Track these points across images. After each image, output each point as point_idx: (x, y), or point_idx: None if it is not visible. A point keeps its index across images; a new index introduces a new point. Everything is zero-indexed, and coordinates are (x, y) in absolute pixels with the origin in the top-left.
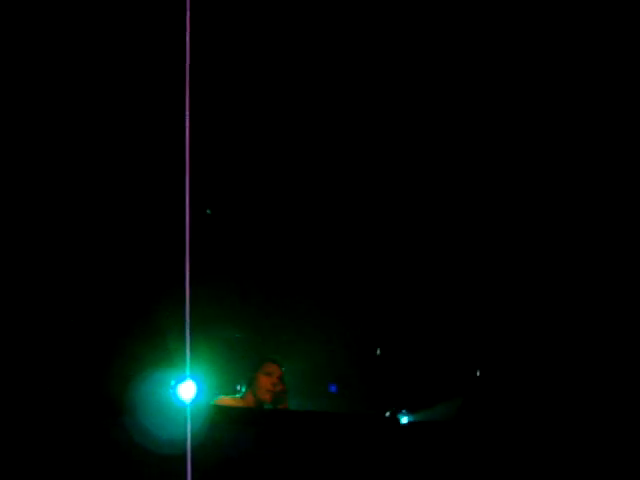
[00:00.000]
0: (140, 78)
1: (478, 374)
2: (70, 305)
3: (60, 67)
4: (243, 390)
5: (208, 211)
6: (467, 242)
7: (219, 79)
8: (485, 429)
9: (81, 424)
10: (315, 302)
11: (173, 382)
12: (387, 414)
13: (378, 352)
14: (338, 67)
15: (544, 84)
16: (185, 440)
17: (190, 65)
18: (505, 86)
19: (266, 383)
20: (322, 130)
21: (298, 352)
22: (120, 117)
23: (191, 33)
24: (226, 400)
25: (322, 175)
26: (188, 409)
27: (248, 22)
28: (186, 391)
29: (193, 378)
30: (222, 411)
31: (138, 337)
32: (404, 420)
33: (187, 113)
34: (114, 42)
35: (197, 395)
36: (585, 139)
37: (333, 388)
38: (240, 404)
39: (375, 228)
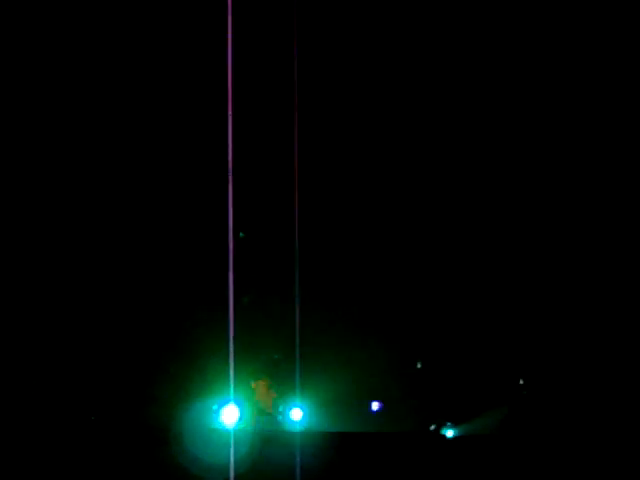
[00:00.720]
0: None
1: (521, 382)
2: (114, 331)
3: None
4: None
5: (241, 234)
6: (508, 255)
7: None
8: (531, 440)
9: (128, 451)
10: (354, 320)
11: (215, 407)
12: (431, 428)
13: (419, 365)
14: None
15: (544, 84)
16: (228, 464)
17: (232, 79)
18: (505, 86)
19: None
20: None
21: (339, 370)
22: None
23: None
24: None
25: (364, 196)
26: (231, 434)
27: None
28: (229, 415)
29: (235, 402)
30: (263, 435)
31: (181, 362)
32: (449, 434)
33: (230, 133)
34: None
35: (240, 419)
36: (585, 139)
37: (375, 407)
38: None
39: (413, 243)
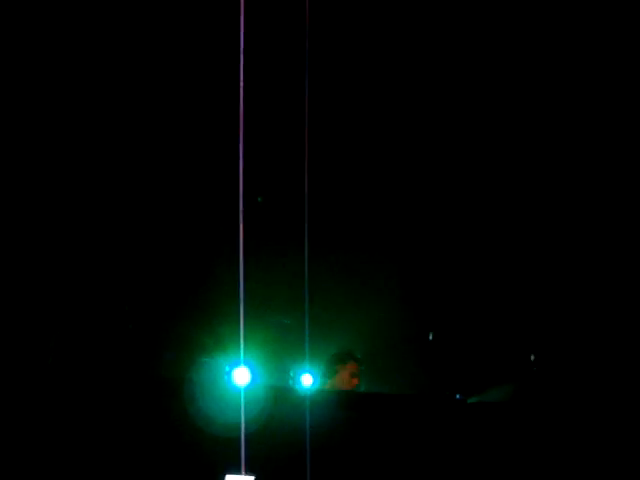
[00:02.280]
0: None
1: (532, 358)
2: (125, 291)
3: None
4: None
5: (259, 199)
6: (520, 225)
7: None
8: (539, 413)
9: (140, 404)
10: (367, 288)
11: (227, 368)
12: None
13: (431, 337)
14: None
15: (544, 84)
16: (239, 423)
17: (245, 49)
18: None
19: (348, 380)
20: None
21: (350, 339)
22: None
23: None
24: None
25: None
26: (242, 394)
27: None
28: (240, 377)
29: (247, 364)
30: (274, 394)
31: (192, 323)
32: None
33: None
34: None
35: (252, 381)
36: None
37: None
38: None
39: (429, 211)
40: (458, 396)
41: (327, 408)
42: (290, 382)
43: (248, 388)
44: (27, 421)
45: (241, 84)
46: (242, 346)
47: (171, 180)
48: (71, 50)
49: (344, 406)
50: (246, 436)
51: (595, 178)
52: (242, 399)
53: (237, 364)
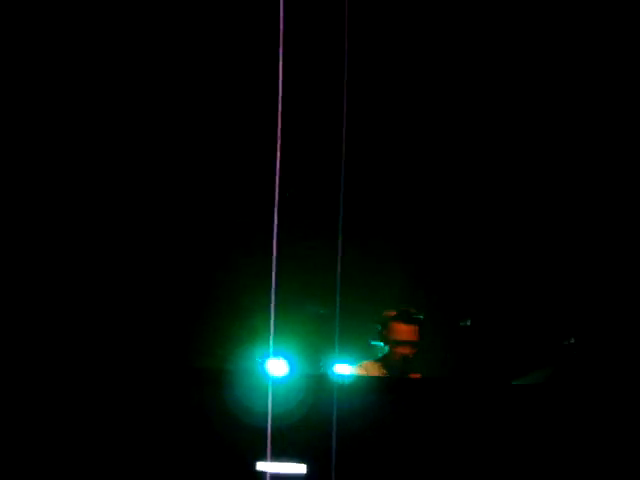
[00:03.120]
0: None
1: (572, 341)
2: (157, 281)
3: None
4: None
5: (287, 194)
6: (559, 210)
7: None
8: (579, 395)
9: (171, 392)
10: (401, 276)
11: (259, 358)
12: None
13: (469, 323)
14: None
15: (544, 84)
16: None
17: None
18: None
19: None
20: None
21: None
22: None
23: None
24: (368, 366)
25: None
26: (270, 383)
27: None
28: (276, 368)
29: (284, 355)
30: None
31: (225, 313)
32: None
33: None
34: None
35: (289, 372)
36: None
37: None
38: (378, 368)
39: (462, 196)
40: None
41: (358, 395)
42: (322, 371)
43: (285, 379)
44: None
45: (280, 77)
46: (273, 337)
47: (203, 171)
48: (77, 50)
49: (376, 392)
50: (277, 426)
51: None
52: (270, 389)
53: (273, 355)
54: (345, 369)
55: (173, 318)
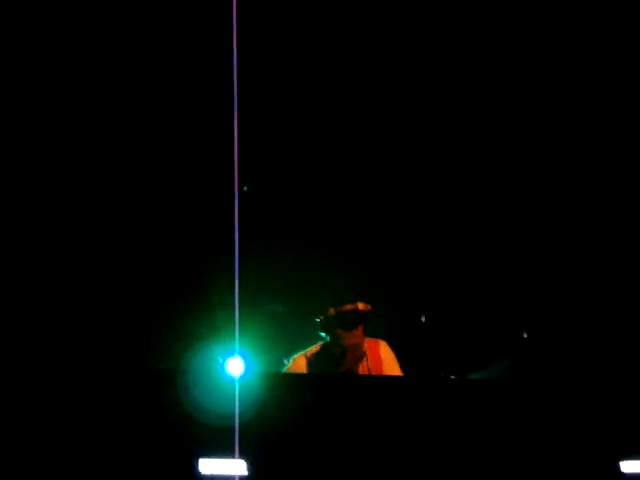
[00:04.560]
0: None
1: (525, 336)
2: (119, 280)
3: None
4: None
5: (245, 188)
6: (508, 204)
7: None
8: (532, 389)
9: (132, 394)
10: (358, 274)
11: (220, 359)
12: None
13: (423, 319)
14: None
15: (544, 84)
16: (234, 413)
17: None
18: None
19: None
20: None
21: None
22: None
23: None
24: (299, 362)
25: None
26: (237, 384)
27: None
28: (234, 367)
29: (241, 354)
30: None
31: (187, 313)
32: None
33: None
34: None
35: (246, 371)
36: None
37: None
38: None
39: (417, 195)
40: (453, 377)
41: (315, 392)
42: (283, 369)
43: (242, 378)
44: (22, 415)
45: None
46: (237, 336)
47: (163, 171)
48: (69, 49)
49: (337, 388)
50: (240, 424)
51: (575, 157)
52: (236, 389)
53: (231, 354)
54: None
55: (132, 318)
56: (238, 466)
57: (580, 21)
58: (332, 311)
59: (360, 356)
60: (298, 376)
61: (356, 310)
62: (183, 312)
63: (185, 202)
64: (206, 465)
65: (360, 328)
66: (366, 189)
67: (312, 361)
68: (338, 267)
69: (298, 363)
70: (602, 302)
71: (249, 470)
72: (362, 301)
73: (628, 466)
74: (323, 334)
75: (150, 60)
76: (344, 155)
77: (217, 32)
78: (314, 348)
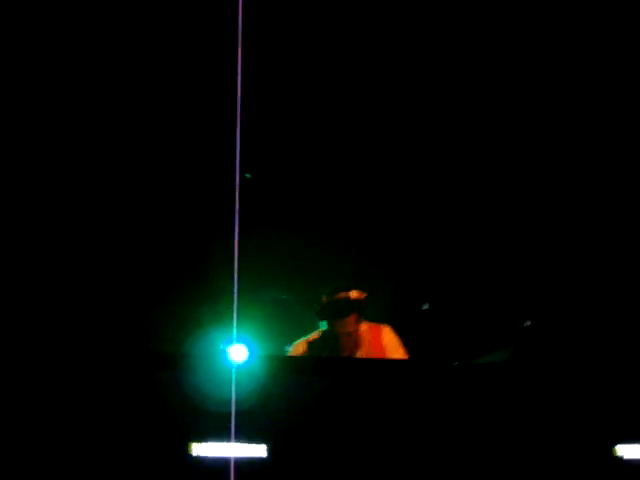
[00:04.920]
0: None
1: (528, 323)
2: (121, 266)
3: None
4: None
5: (247, 175)
6: (512, 192)
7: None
8: (533, 375)
9: (133, 376)
10: (361, 261)
11: (222, 345)
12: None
13: (426, 306)
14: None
15: (544, 84)
16: (231, 399)
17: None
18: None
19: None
20: None
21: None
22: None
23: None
24: (299, 347)
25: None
26: (233, 370)
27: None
28: (237, 353)
29: (244, 341)
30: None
31: (189, 299)
32: None
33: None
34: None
35: (249, 357)
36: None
37: None
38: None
39: (424, 182)
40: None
41: (319, 376)
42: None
43: (244, 364)
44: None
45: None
46: (236, 323)
47: (164, 158)
48: (68, 49)
49: (341, 373)
50: (241, 408)
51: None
52: (233, 375)
53: (233, 341)
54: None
55: (136, 304)
56: (234, 449)
57: (580, 21)
58: (324, 299)
59: (356, 343)
60: (299, 359)
61: (347, 299)
62: (185, 298)
63: (187, 188)
64: (202, 448)
65: (353, 316)
66: (370, 175)
67: (312, 347)
68: (341, 254)
69: (298, 349)
70: (603, 290)
71: (268, 452)
72: (356, 289)
73: (624, 450)
74: (320, 322)
75: (152, 51)
76: (347, 141)
77: (218, 26)
78: (314, 335)
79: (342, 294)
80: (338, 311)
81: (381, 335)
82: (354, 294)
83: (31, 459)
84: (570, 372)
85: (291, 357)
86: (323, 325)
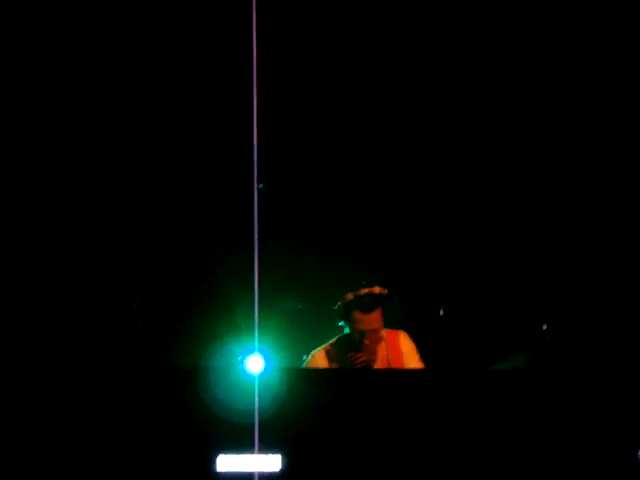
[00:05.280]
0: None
1: (545, 327)
2: (137, 280)
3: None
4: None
5: (260, 186)
6: (528, 193)
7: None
8: (553, 381)
9: (151, 392)
10: (376, 269)
11: (240, 357)
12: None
13: (441, 312)
14: None
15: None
16: (253, 410)
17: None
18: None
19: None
20: None
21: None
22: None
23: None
24: (318, 357)
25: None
26: (256, 381)
27: None
28: (254, 365)
29: (261, 351)
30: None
31: (207, 311)
32: None
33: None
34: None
35: (266, 369)
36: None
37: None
38: (330, 355)
39: (436, 188)
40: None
41: (339, 386)
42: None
43: (262, 375)
44: (33, 418)
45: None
46: (256, 333)
47: (179, 168)
48: (70, 49)
49: (356, 384)
50: (260, 420)
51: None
52: (256, 386)
53: (251, 351)
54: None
55: (152, 317)
56: (257, 462)
57: (579, 21)
58: (350, 296)
59: (378, 341)
60: (317, 371)
61: (372, 293)
62: (202, 311)
63: (203, 200)
64: (225, 462)
65: (378, 311)
66: (381, 183)
67: (331, 354)
68: (356, 263)
69: (316, 358)
70: (619, 294)
71: (283, 464)
72: (378, 285)
73: None
74: (341, 323)
75: (168, 53)
76: (358, 149)
77: (234, 29)
78: (332, 342)
79: (367, 289)
80: (364, 305)
81: (399, 341)
82: (378, 289)
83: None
84: (587, 377)
85: (308, 369)
86: (344, 326)
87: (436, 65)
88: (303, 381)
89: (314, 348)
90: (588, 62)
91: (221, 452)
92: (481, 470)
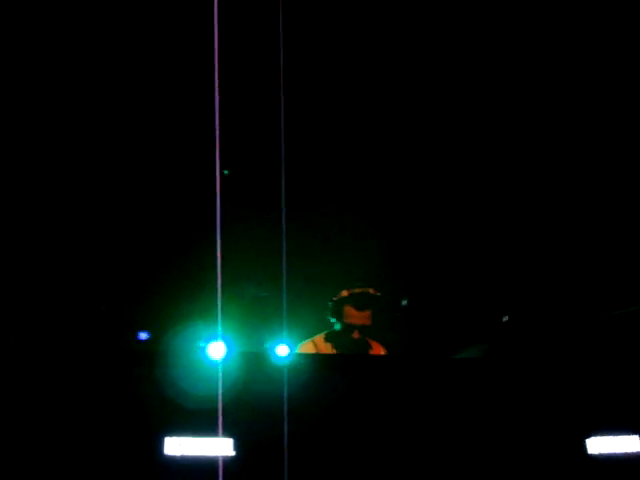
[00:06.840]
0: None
1: (505, 320)
2: (100, 261)
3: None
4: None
5: (225, 172)
6: (495, 188)
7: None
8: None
9: (111, 375)
10: (341, 258)
11: (202, 342)
12: None
13: (404, 303)
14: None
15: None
16: (216, 395)
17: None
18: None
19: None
20: None
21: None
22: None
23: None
24: (306, 347)
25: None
26: (220, 367)
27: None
28: (216, 351)
29: (223, 338)
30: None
31: (168, 297)
32: None
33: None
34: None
35: (227, 355)
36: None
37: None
38: (328, 343)
39: (402, 177)
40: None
41: (306, 373)
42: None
43: (224, 361)
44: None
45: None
46: (219, 320)
47: (142, 153)
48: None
49: (323, 369)
50: (223, 405)
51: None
52: (219, 371)
53: (213, 338)
54: (285, 350)
55: (116, 305)
56: (221, 445)
57: (579, 21)
58: (345, 292)
59: (364, 345)
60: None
61: (367, 293)
62: (167, 294)
63: (170, 183)
64: (181, 445)
65: (370, 312)
66: (356, 170)
67: (319, 348)
68: (322, 251)
69: (306, 349)
70: (577, 286)
71: (235, 449)
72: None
73: (593, 444)
74: (333, 319)
75: (144, 52)
76: (335, 142)
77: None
78: (321, 335)
79: (362, 289)
80: (358, 303)
81: (380, 350)
82: (372, 290)
83: (10, 454)
84: (544, 367)
85: (269, 354)
86: (334, 322)
87: (436, 65)
88: (262, 366)
89: (275, 336)
90: (588, 62)
91: (177, 435)
92: (440, 450)
